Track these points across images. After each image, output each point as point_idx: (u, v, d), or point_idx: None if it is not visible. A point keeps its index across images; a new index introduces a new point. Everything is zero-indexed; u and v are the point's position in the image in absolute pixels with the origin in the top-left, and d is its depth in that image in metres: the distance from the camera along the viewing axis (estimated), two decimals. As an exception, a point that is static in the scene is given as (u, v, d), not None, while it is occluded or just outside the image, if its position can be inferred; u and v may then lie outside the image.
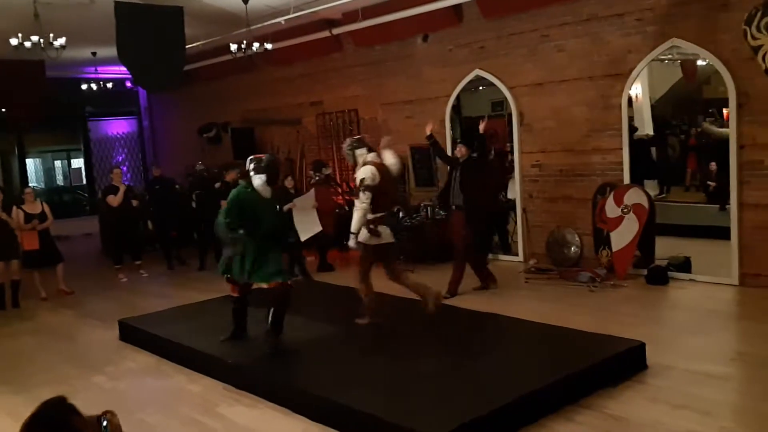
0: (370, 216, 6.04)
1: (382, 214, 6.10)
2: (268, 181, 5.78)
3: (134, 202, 10.55)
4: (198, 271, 10.78)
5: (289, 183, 9.30)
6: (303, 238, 9.00)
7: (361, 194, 6.04)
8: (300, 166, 13.04)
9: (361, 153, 6.28)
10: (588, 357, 5.11)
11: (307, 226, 9.20)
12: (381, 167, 6.18)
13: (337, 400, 4.63)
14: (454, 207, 7.80)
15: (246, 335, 6.20)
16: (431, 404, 4.48)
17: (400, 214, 10.45)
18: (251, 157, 5.97)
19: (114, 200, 10.30)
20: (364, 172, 6.07)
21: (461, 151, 7.75)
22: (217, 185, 10.89)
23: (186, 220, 11.66)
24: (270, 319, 5.80)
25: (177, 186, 12.32)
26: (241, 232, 5.69)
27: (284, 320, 5.90)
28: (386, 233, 6.11)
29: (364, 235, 6.05)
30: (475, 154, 7.76)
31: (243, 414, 5.01)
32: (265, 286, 5.74)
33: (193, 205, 11.26)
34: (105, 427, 2.65)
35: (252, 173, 5.79)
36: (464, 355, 5.05)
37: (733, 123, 7.46)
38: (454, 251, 7.98)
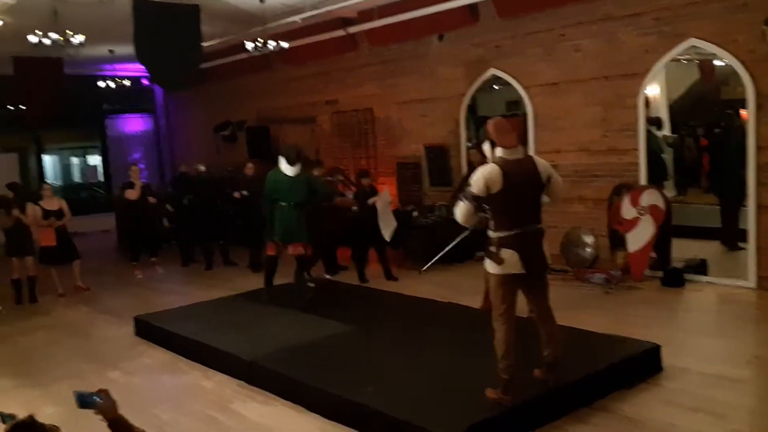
0: (492, 234, 4.49)
1: (509, 233, 4.41)
2: (288, 162, 7.61)
3: (151, 200, 10.62)
4: (205, 270, 10.85)
5: (365, 181, 9.35)
6: (387, 237, 8.95)
7: (461, 201, 4.55)
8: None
9: (487, 148, 4.63)
10: (603, 359, 5.08)
11: (389, 223, 9.08)
12: (514, 167, 4.43)
13: (351, 399, 4.64)
14: None
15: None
16: (445, 404, 4.47)
17: (414, 214, 10.45)
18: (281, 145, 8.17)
19: (132, 194, 10.37)
20: (476, 175, 4.50)
21: (477, 157, 7.01)
22: (237, 195, 10.66)
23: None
24: (298, 276, 7.76)
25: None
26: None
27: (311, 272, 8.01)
28: (512, 260, 4.39)
29: (486, 261, 4.52)
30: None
31: (257, 411, 5.04)
32: (291, 252, 7.67)
33: (185, 202, 11.15)
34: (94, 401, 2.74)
35: (279, 157, 7.74)
36: (478, 356, 5.04)
37: (751, 124, 7.39)
38: None
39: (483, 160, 6.51)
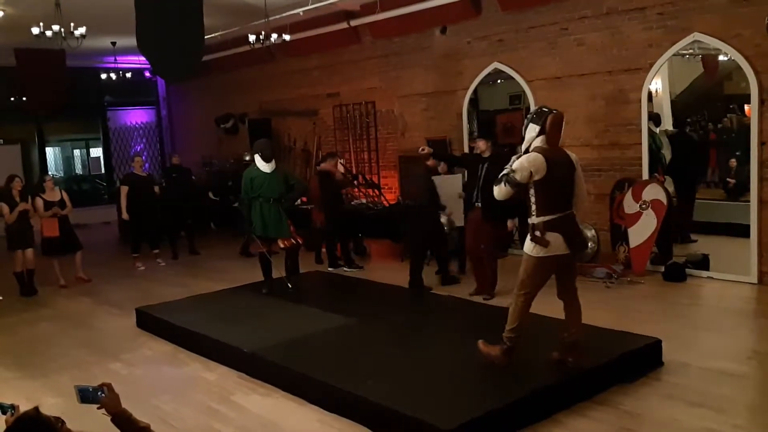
0: (535, 220, 4.67)
1: (552, 217, 4.63)
2: (264, 159, 7.69)
3: (156, 188, 10.63)
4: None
5: (437, 165, 8.67)
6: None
7: (502, 184, 4.65)
8: (316, 158, 13.06)
9: (532, 129, 4.71)
10: (604, 353, 5.08)
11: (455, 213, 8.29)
12: (554, 155, 4.65)
13: (352, 391, 4.64)
14: (478, 204, 7.25)
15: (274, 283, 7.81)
16: (445, 397, 4.48)
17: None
18: (255, 143, 8.17)
19: (124, 190, 10.41)
20: (521, 163, 4.61)
21: (480, 146, 7.34)
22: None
23: (202, 210, 11.67)
24: (288, 268, 7.88)
25: (193, 177, 12.34)
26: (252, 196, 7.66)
27: (299, 267, 8.03)
28: (557, 242, 4.62)
29: (528, 244, 4.70)
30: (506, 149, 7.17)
31: (258, 403, 5.05)
32: (281, 245, 7.79)
33: (211, 196, 11.22)
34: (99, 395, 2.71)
35: (255, 155, 7.82)
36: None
37: (754, 119, 7.38)
38: (469, 253, 7.62)
39: (487, 148, 6.98)
